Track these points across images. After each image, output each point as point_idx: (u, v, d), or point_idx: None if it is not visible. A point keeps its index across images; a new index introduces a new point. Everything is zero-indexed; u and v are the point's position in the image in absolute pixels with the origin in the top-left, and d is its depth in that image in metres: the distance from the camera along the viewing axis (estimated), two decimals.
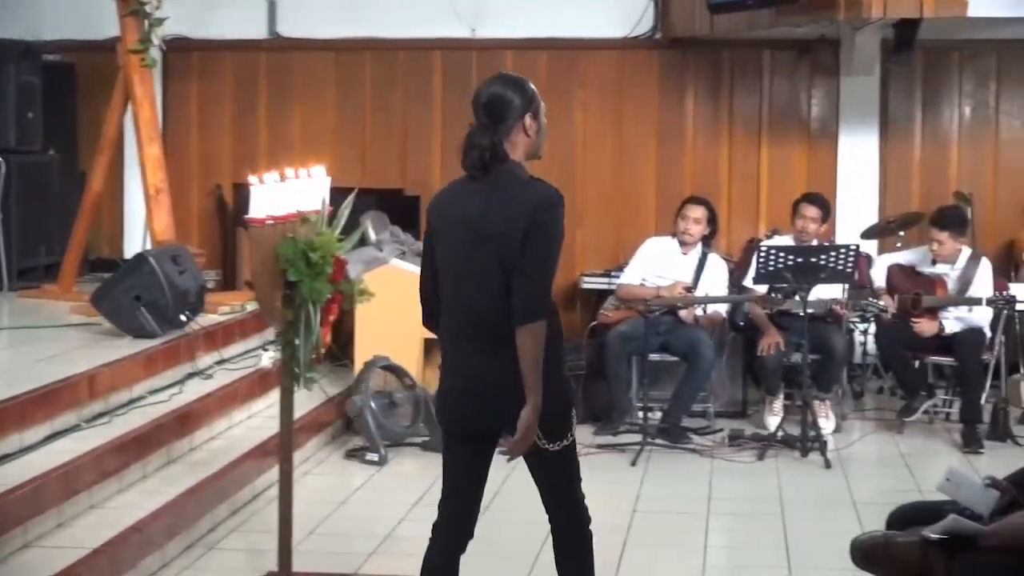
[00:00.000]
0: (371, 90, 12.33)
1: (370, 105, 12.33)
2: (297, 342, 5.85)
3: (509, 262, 4.83)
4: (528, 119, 5.10)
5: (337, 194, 6.18)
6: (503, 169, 5.02)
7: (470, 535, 5.38)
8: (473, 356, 5.01)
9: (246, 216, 5.79)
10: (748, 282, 9.96)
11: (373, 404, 9.02)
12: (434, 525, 5.43)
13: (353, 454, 8.99)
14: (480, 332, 4.98)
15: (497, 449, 5.18)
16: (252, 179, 5.76)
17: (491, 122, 5.03)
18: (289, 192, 5.86)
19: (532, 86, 5.22)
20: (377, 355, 9.27)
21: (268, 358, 9.08)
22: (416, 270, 9.67)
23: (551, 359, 4.91)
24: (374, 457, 8.83)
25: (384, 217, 10.51)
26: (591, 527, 5.32)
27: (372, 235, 10.10)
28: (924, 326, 9.85)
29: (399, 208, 11.61)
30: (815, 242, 10.03)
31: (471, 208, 4.99)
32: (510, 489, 8.28)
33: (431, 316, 5.30)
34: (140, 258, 9.07)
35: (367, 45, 12.21)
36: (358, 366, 9.47)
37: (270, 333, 8.67)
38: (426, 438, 9.23)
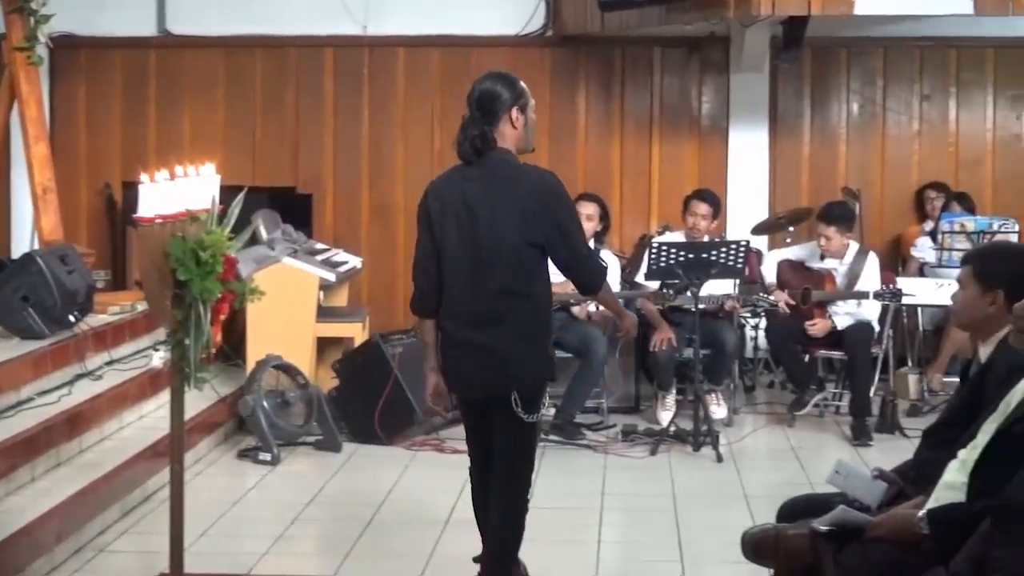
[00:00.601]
0: (262, 88, 12.25)
1: (261, 103, 12.25)
2: (187, 342, 5.79)
3: (529, 241, 5.53)
4: (515, 112, 5.68)
5: (228, 192, 6.13)
6: (495, 156, 5.62)
7: None
8: (474, 328, 5.61)
9: (135, 215, 5.73)
10: (640, 278, 10.02)
11: (265, 403, 8.97)
12: (469, 470, 6.07)
13: (246, 454, 8.93)
14: (486, 305, 5.59)
15: None
16: (142, 178, 5.70)
17: (481, 115, 5.66)
18: (179, 191, 5.80)
19: (522, 84, 5.79)
20: (269, 354, 9.22)
21: (159, 358, 8.98)
22: (308, 268, 9.77)
23: (541, 331, 5.69)
24: (267, 457, 8.77)
25: (276, 215, 10.44)
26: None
27: (263, 234, 10.03)
28: (818, 327, 9.95)
29: (291, 206, 11.54)
30: (706, 238, 10.10)
31: (469, 193, 5.63)
32: (402, 490, 8.29)
33: (426, 301, 5.82)
34: (28, 258, 8.95)
35: (258, 42, 12.13)
36: (250, 365, 9.40)
37: (161, 333, 8.54)
38: (319, 437, 9.19)
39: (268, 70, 12.23)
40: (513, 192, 5.58)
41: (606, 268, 5.90)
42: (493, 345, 5.60)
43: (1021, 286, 4.56)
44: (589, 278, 5.78)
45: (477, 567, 6.06)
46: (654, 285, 9.82)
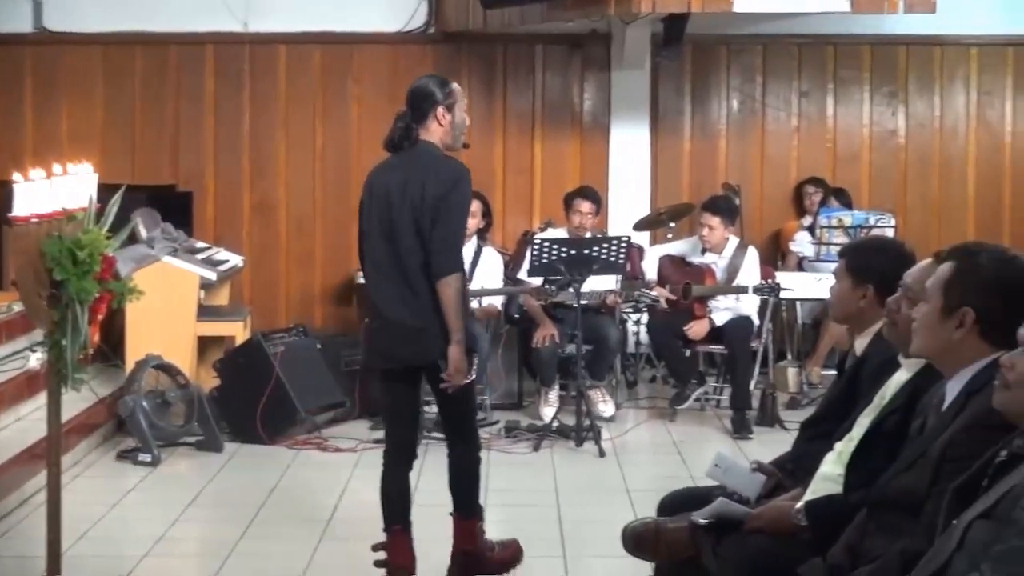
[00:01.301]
0: (141, 85, 12.10)
1: (140, 100, 12.10)
2: (64, 342, 5.71)
3: (423, 225, 5.96)
4: (442, 110, 6.12)
5: (107, 191, 6.05)
6: (419, 148, 6.11)
7: (414, 456, 6.45)
8: (392, 304, 6.10)
9: (10, 214, 5.64)
10: (523, 275, 10.05)
11: (145, 404, 8.87)
12: (384, 452, 6.40)
13: (125, 455, 8.83)
14: (396, 283, 6.09)
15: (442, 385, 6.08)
16: (16, 176, 5.62)
17: (411, 110, 6.14)
18: (55, 189, 5.72)
19: (454, 86, 6.23)
20: (149, 354, 9.12)
21: (36, 359, 8.85)
22: (188, 267, 9.71)
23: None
24: (147, 458, 8.68)
25: (155, 214, 10.33)
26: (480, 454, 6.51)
27: (143, 232, 9.91)
28: (695, 330, 10.04)
29: (171, 204, 11.42)
30: (588, 234, 10.16)
31: (391, 179, 6.12)
32: (284, 489, 8.25)
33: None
34: None
35: (137, 39, 11.97)
36: (130, 365, 9.30)
37: (38, 334, 8.45)
38: (200, 437, 9.12)
39: (147, 67, 12.08)
40: (425, 180, 6.02)
41: (462, 270, 6.08)
42: (412, 320, 6.07)
43: (890, 281, 4.63)
44: (440, 264, 5.98)
45: (376, 556, 6.34)
46: (537, 281, 9.85)
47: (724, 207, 10.29)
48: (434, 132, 6.14)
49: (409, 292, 6.08)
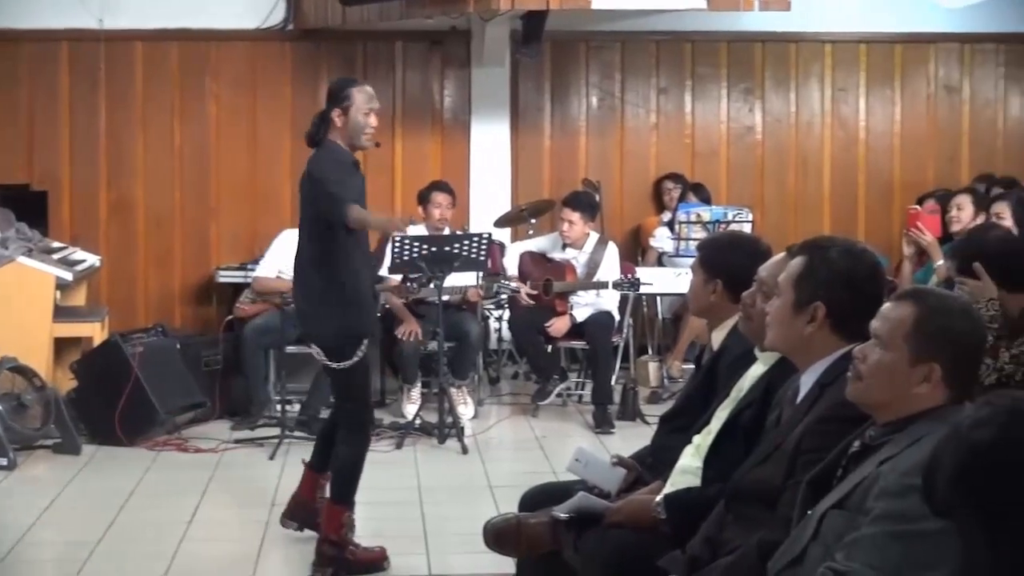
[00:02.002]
0: None
1: None
2: None
3: (315, 214, 6.46)
4: (337, 111, 6.46)
5: None
6: (323, 145, 6.53)
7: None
8: (296, 291, 6.79)
9: None
10: (384, 272, 10.02)
11: (0, 407, 8.72)
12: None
13: None
14: (298, 271, 6.72)
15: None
16: None
17: (325, 107, 6.55)
18: None
19: (352, 90, 6.51)
20: (4, 356, 8.96)
21: None
22: (43, 267, 9.54)
23: (334, 295, 6.46)
24: (3, 461, 8.52)
25: (9, 213, 10.15)
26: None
27: None
28: (555, 327, 10.10)
29: (25, 204, 11.20)
30: (447, 229, 10.17)
31: (304, 174, 6.55)
32: (144, 491, 8.16)
33: None
34: None
35: None
36: None
37: None
38: (58, 440, 8.98)
39: (0, 64, 11.86)
40: (308, 174, 6.51)
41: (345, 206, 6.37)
42: (297, 305, 6.77)
43: (740, 276, 4.69)
44: (332, 213, 6.38)
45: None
46: (397, 278, 9.84)
47: (584, 203, 10.35)
48: (335, 132, 6.50)
49: (298, 279, 6.75)
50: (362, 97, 6.51)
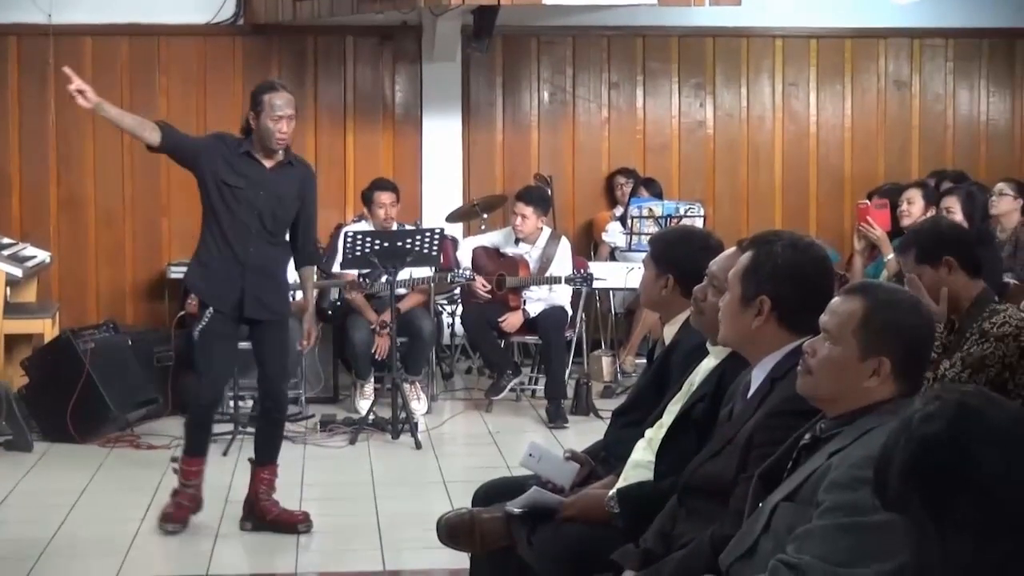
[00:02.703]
0: None
1: None
2: None
3: None
4: (251, 115, 6.96)
5: None
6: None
7: None
8: None
9: None
10: (336, 268, 10.01)
11: None
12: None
13: None
14: None
15: None
16: None
17: None
18: None
19: (266, 96, 6.90)
20: None
21: None
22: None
23: (196, 256, 7.24)
24: None
25: None
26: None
27: None
28: (509, 323, 10.12)
29: None
30: (395, 225, 10.16)
31: None
32: (96, 488, 8.12)
33: None
34: None
35: None
36: None
37: None
38: (8, 437, 8.94)
39: None
40: None
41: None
42: None
43: (690, 270, 4.71)
44: None
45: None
46: (352, 274, 9.83)
47: (536, 197, 10.37)
48: (255, 133, 6.98)
49: None
50: (277, 105, 6.89)
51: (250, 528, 7.14)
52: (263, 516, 7.14)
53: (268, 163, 7.05)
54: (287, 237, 7.20)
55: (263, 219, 7.03)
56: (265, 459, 7.22)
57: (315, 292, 7.67)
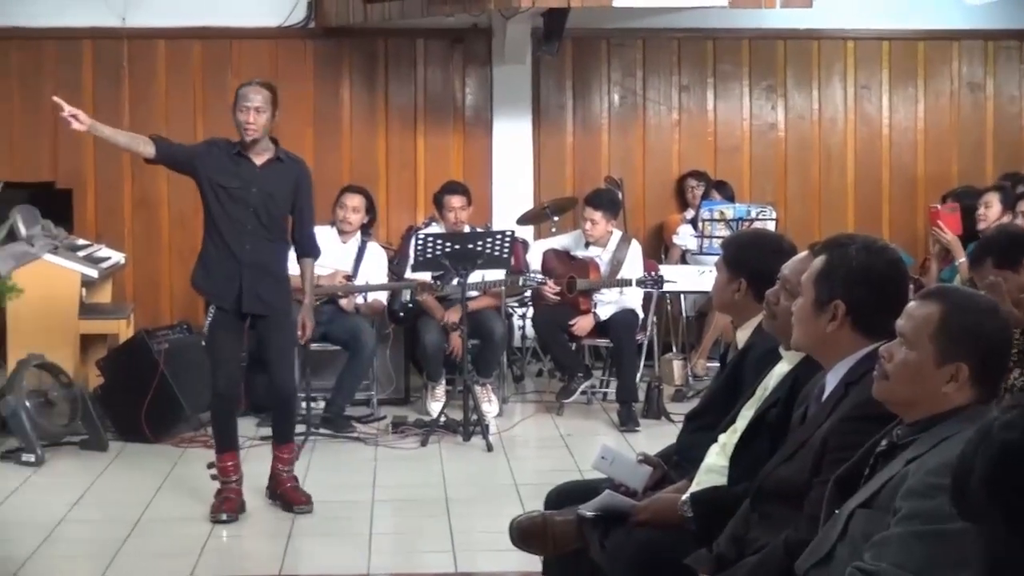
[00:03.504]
0: (18, 81, 11.92)
1: (18, 97, 11.92)
2: None
3: None
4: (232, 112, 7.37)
5: None
6: None
7: None
8: None
9: None
10: (408, 271, 10.05)
11: (28, 404, 8.76)
12: None
13: (8, 456, 8.71)
14: None
15: None
16: None
17: None
18: None
19: (240, 90, 7.39)
20: (31, 353, 9.00)
21: None
22: (69, 264, 9.58)
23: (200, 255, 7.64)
24: (30, 458, 8.57)
25: (35, 211, 10.19)
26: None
27: (22, 230, 9.77)
28: (579, 327, 10.11)
29: (51, 202, 11.28)
30: (467, 228, 10.19)
31: None
32: (170, 487, 8.19)
33: None
34: None
35: (12, 34, 11.81)
36: (11, 365, 9.16)
37: None
38: (84, 436, 9.02)
39: (24, 63, 11.91)
40: None
41: None
42: None
43: (763, 274, 4.69)
44: None
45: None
46: (424, 277, 9.87)
47: (606, 201, 10.35)
48: None
49: None
50: (242, 95, 7.34)
51: (268, 496, 7.69)
52: (276, 487, 7.66)
53: (259, 160, 7.41)
54: (286, 234, 7.57)
55: (258, 215, 7.37)
56: (280, 440, 7.68)
57: (315, 283, 7.96)
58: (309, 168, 7.73)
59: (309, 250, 7.70)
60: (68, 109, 7.17)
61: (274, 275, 7.49)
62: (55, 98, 7.36)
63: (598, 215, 10.19)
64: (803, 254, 4.40)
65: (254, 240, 7.37)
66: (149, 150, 7.40)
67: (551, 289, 10.17)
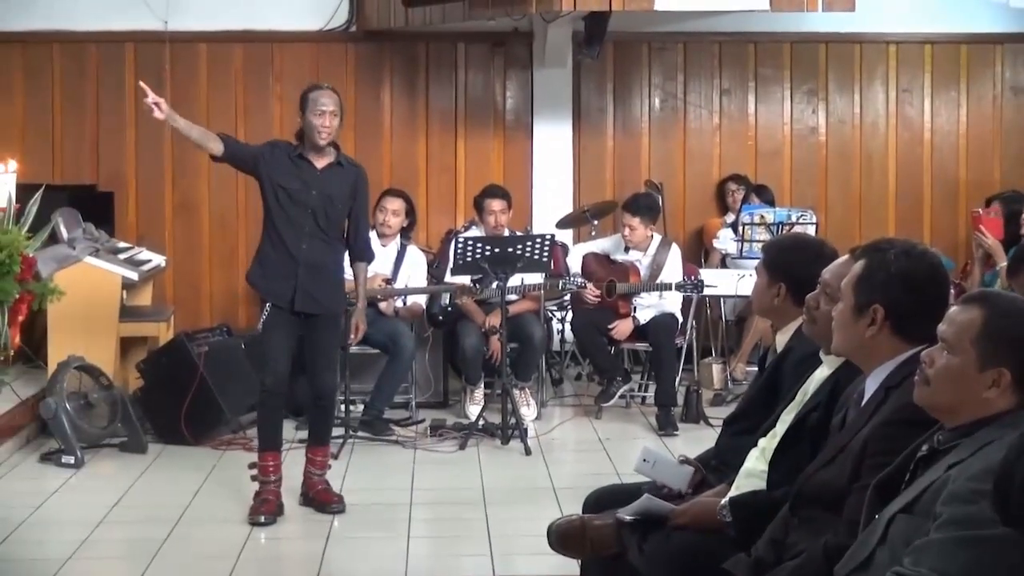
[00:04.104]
0: (61, 84, 12.00)
1: (60, 99, 12.00)
2: None
3: None
4: (300, 115, 7.48)
5: (26, 191, 6.01)
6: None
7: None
8: None
9: None
10: (448, 276, 10.04)
11: (68, 405, 8.79)
12: None
13: (48, 457, 8.75)
14: None
15: None
16: None
17: None
18: None
19: (312, 94, 7.42)
20: (71, 355, 9.04)
21: None
22: (110, 267, 9.62)
23: (257, 256, 7.67)
24: (70, 460, 8.61)
25: (76, 214, 10.23)
26: None
27: (64, 232, 9.81)
28: (619, 330, 10.10)
29: (92, 204, 11.31)
30: (506, 231, 10.19)
31: None
32: (209, 490, 8.22)
33: None
34: None
35: (55, 38, 11.88)
36: (52, 367, 9.21)
37: None
38: (124, 438, 9.06)
39: (67, 66, 11.99)
40: None
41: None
42: None
43: (803, 278, 4.67)
44: None
45: None
46: (464, 280, 9.87)
47: (643, 206, 10.30)
48: (304, 131, 7.46)
49: None
50: (319, 101, 7.37)
51: (301, 502, 7.71)
52: (308, 490, 7.72)
53: (320, 164, 7.49)
54: (342, 237, 7.65)
55: (316, 218, 7.45)
56: (315, 442, 7.78)
57: (366, 287, 7.95)
58: (367, 175, 7.75)
59: (363, 254, 7.77)
60: (151, 96, 7.22)
61: (329, 276, 7.56)
62: (140, 83, 7.42)
63: (635, 221, 10.17)
64: (844, 258, 4.38)
65: (312, 241, 7.46)
66: (218, 147, 7.47)
67: (591, 292, 10.16)
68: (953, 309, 3.46)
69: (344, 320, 7.77)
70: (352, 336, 7.78)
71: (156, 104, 7.21)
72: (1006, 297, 3.52)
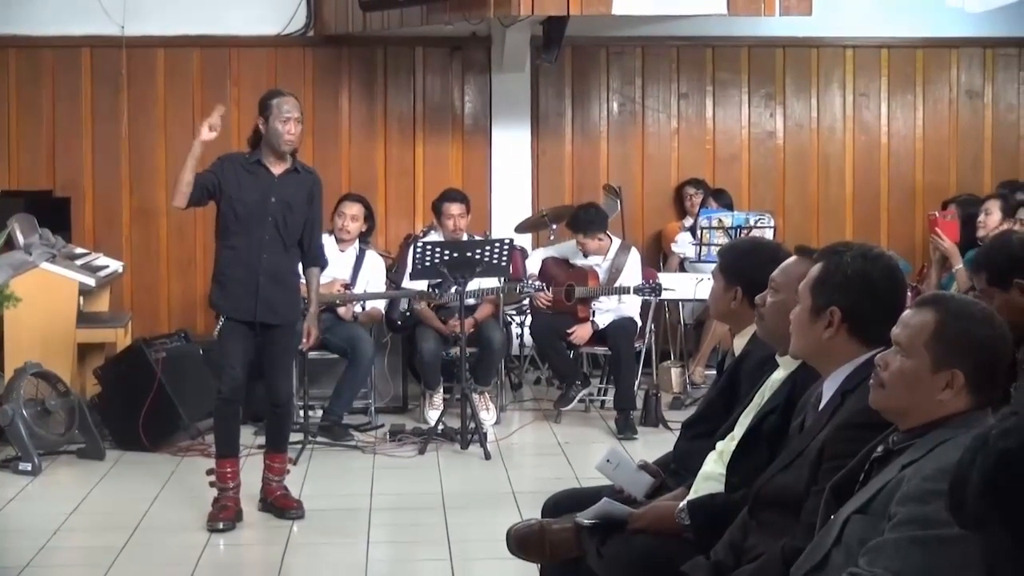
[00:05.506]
0: (16, 89, 11.92)
1: (16, 105, 11.93)
2: None
3: None
4: (260, 120, 7.44)
5: None
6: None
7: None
8: None
9: None
10: (406, 280, 10.03)
11: (25, 412, 8.74)
12: None
13: (5, 464, 8.69)
14: None
15: None
16: None
17: None
18: None
19: (274, 100, 7.39)
20: (28, 361, 8.98)
21: None
22: (66, 273, 9.58)
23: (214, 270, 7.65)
24: (27, 467, 8.56)
25: (33, 219, 10.17)
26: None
27: (20, 238, 9.76)
28: (577, 335, 10.12)
29: (49, 210, 11.24)
30: (465, 236, 10.18)
31: None
32: (167, 496, 8.18)
33: None
34: None
35: (11, 43, 11.80)
36: (8, 374, 9.16)
37: None
38: (82, 445, 9.01)
39: (22, 71, 11.92)
40: None
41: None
42: None
43: (757, 282, 4.67)
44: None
45: None
46: (421, 285, 9.85)
47: (584, 221, 10.23)
48: (264, 137, 7.43)
49: None
50: (284, 107, 7.37)
51: (260, 508, 7.70)
52: (267, 496, 7.72)
53: (277, 171, 7.49)
54: (298, 243, 7.62)
55: (277, 226, 7.45)
56: (273, 449, 7.80)
57: (319, 292, 7.98)
58: (322, 181, 7.79)
59: (316, 260, 7.78)
60: (216, 120, 7.33)
61: (288, 285, 7.58)
62: (220, 106, 7.49)
63: (580, 236, 10.25)
64: (793, 258, 4.41)
65: (271, 251, 7.45)
66: (183, 203, 7.46)
67: (544, 297, 10.19)
68: (907, 312, 3.48)
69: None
70: (305, 341, 7.76)
71: (212, 127, 7.32)
72: (959, 300, 3.54)
